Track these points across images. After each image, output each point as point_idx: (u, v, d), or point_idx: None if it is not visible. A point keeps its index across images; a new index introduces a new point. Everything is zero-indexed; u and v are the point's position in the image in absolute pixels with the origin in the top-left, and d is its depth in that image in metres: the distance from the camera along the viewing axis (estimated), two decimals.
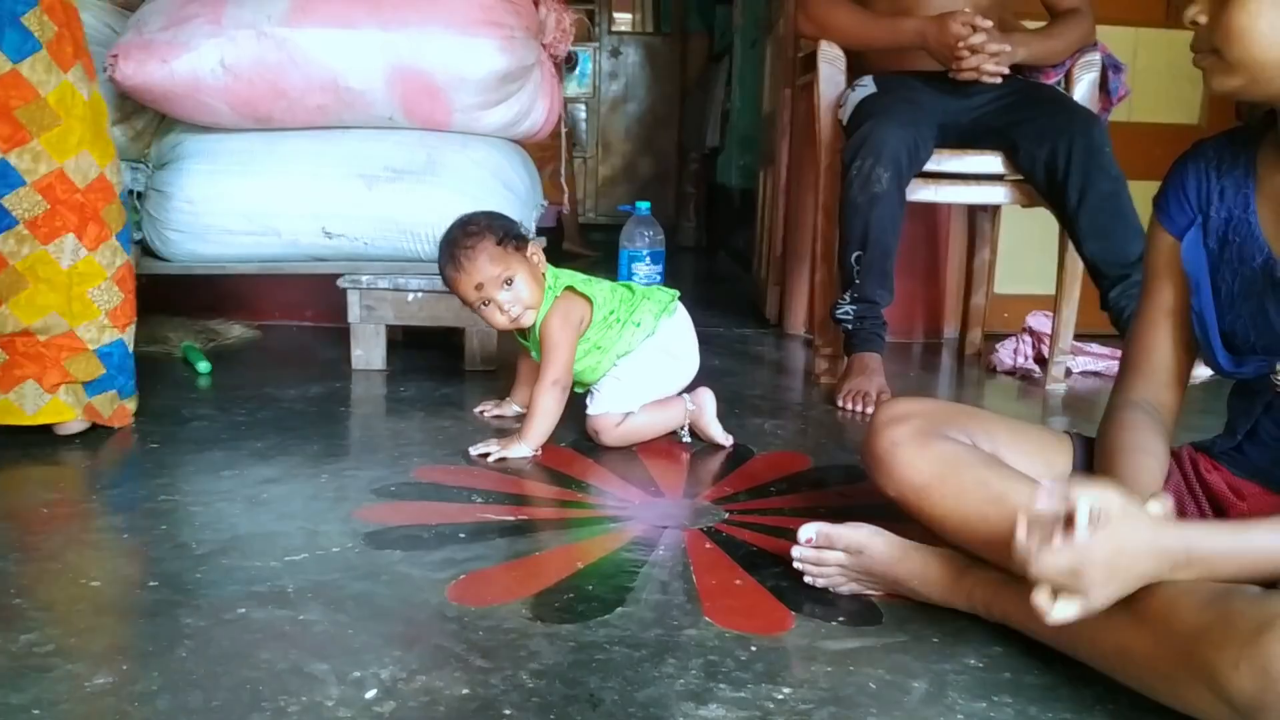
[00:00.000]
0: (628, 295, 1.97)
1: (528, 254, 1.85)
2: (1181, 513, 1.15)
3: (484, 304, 1.84)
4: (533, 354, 1.93)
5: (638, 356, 1.92)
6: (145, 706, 0.96)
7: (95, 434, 1.86)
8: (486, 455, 1.79)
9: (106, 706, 0.96)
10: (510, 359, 2.21)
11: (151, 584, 1.24)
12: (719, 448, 1.91)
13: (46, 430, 1.79)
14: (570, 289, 1.87)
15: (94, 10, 2.50)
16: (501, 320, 1.84)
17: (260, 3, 2.30)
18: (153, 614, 1.17)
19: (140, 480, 1.64)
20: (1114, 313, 2.22)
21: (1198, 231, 1.14)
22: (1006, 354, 2.71)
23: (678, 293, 2.03)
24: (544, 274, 1.88)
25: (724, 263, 5.45)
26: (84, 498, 1.58)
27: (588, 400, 1.94)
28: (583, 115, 6.64)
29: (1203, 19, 1.03)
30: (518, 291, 1.82)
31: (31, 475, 1.68)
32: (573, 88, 6.47)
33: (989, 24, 2.22)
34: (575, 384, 1.92)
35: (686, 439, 1.95)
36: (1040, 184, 2.29)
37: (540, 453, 1.83)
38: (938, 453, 1.21)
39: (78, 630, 1.12)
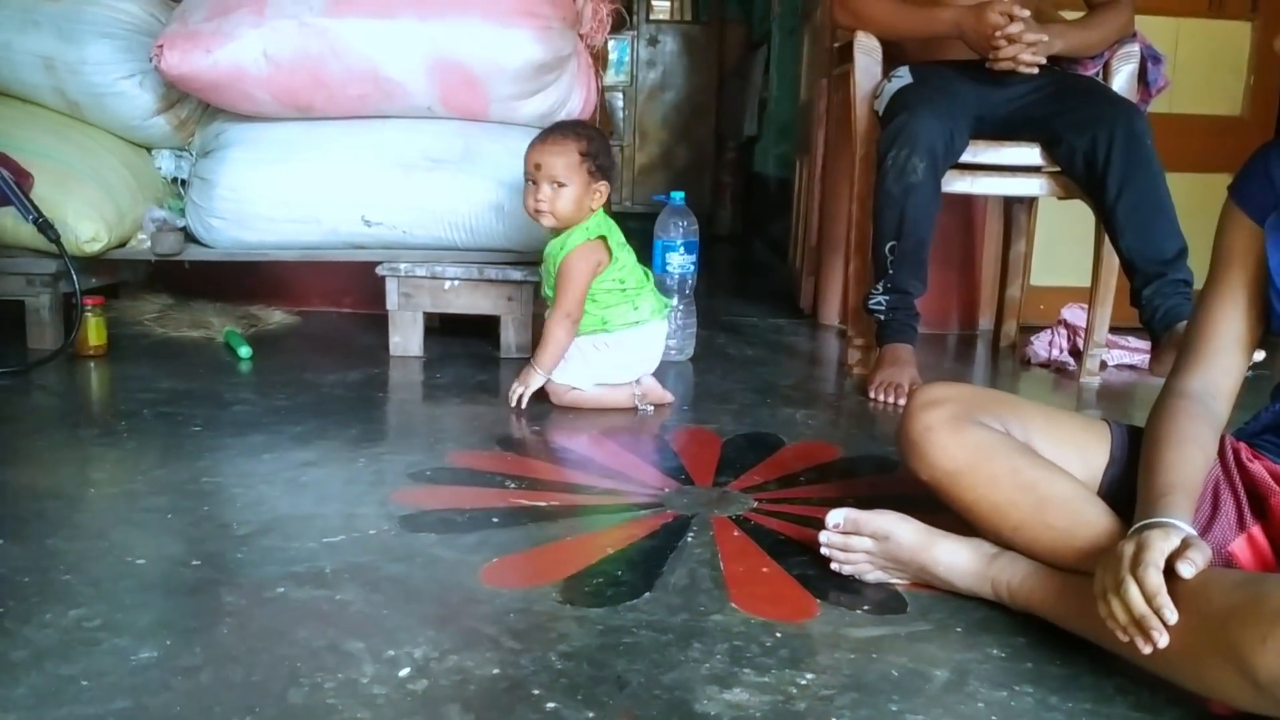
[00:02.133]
0: (642, 277, 2.15)
1: (592, 186, 2.06)
2: (1216, 502, 1.16)
3: (530, 181, 2.06)
4: (545, 289, 2.13)
5: (609, 347, 2.10)
6: (188, 680, 1.00)
7: (140, 416, 1.91)
8: (519, 403, 2.00)
9: (151, 679, 1.00)
10: None
11: (194, 563, 1.28)
12: (749, 439, 1.93)
13: (93, 412, 1.83)
14: (602, 238, 2.07)
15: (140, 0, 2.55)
16: (529, 204, 2.06)
17: None
18: (195, 592, 1.20)
19: (183, 462, 1.68)
20: (1145, 310, 2.21)
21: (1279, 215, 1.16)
22: (1041, 346, 2.69)
23: (672, 304, 2.35)
24: (592, 211, 2.08)
25: (760, 251, 5.45)
26: (129, 478, 1.62)
27: None
28: (620, 104, 6.65)
29: None
30: (558, 198, 2.03)
31: (78, 456, 1.73)
32: (610, 76, 6.48)
33: (1026, 14, 2.21)
34: (547, 314, 2.11)
35: (649, 410, 2.09)
36: (1079, 176, 2.28)
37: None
38: (971, 439, 1.23)
39: (124, 606, 1.16)
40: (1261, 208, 1.18)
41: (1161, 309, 2.15)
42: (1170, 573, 0.96)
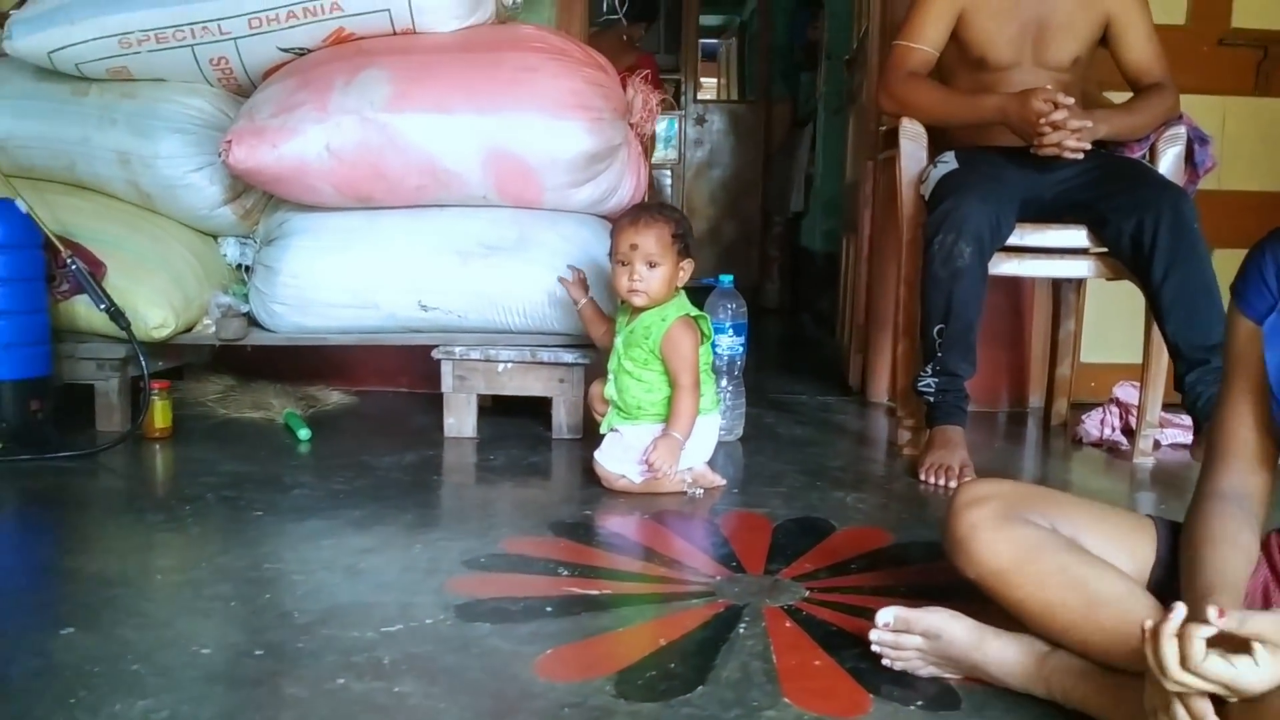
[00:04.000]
0: (709, 367, 2.20)
1: (680, 264, 2.14)
2: (1267, 604, 1.15)
3: (623, 263, 2.12)
4: (623, 359, 2.16)
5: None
6: None
7: (204, 500, 1.97)
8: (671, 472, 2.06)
9: None
10: (593, 426, 2.32)
11: (257, 652, 1.32)
12: (800, 524, 1.94)
13: (159, 496, 1.89)
14: (700, 319, 2.17)
15: (208, 96, 2.66)
16: (624, 284, 2.12)
17: (363, 90, 2.42)
18: (258, 683, 1.24)
19: (246, 548, 1.73)
20: (1188, 396, 2.20)
21: (1279, 316, 1.15)
22: (1093, 425, 2.68)
23: (721, 385, 2.49)
24: (678, 289, 2.17)
25: (808, 325, 5.47)
26: (194, 565, 1.67)
27: (604, 438, 2.17)
28: (668, 181, 6.75)
29: None
30: (652, 277, 2.10)
31: (145, 542, 1.79)
32: (658, 154, 6.59)
33: (1070, 100, 2.24)
34: (610, 394, 2.19)
35: (698, 493, 2.11)
36: (1126, 257, 2.29)
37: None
38: (1017, 536, 1.23)
39: (190, 698, 1.19)
40: (1259, 309, 1.17)
41: (1204, 396, 2.14)
42: (1220, 701, 0.95)
